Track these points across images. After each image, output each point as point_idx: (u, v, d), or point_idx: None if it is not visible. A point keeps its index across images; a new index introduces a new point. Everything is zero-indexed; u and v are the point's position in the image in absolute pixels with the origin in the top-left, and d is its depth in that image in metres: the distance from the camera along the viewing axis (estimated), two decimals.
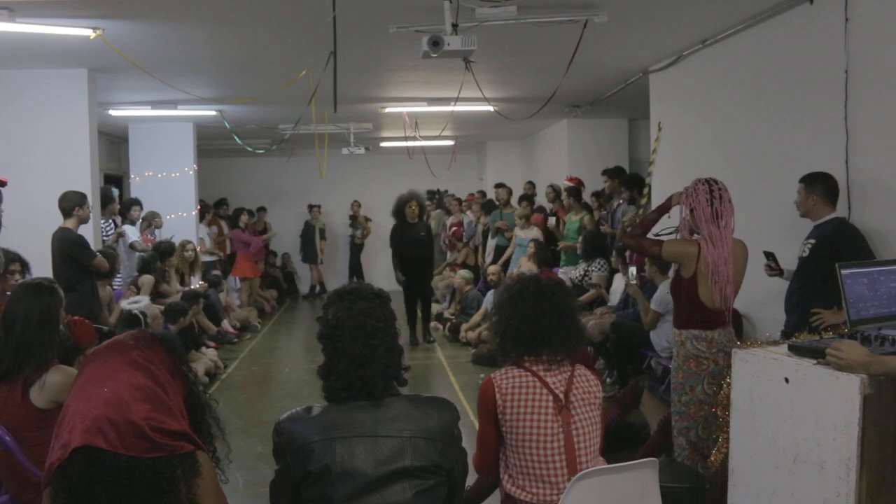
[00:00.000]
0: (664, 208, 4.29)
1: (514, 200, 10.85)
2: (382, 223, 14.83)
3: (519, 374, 2.71)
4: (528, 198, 10.68)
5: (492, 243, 10.54)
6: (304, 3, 4.94)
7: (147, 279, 7.85)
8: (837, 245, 4.17)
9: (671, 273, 4.30)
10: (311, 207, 14.23)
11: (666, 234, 4.66)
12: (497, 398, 2.67)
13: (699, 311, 3.91)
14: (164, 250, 8.47)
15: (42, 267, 5.32)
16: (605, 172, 8.75)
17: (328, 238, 14.54)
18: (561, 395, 2.66)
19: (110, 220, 8.30)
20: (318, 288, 14.26)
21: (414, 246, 8.95)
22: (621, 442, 4.85)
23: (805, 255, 4.36)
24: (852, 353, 2.64)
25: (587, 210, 8.67)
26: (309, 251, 14.24)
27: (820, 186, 4.35)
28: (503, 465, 2.75)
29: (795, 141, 5.10)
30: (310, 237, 14.21)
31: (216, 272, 10.45)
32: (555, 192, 9.79)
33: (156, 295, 7.88)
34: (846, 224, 4.34)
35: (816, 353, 2.85)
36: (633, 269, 5.92)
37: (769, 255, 4.64)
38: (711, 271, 3.82)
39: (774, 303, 4.82)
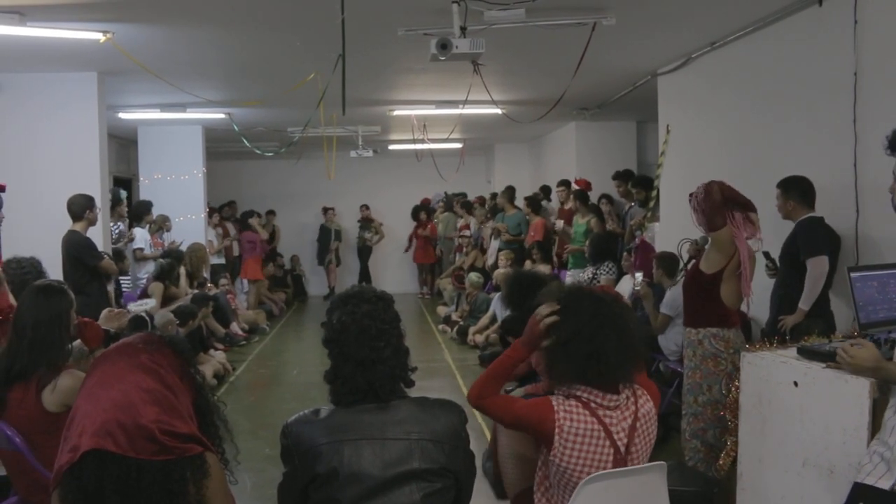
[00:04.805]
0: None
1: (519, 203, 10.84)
2: (392, 225, 14.86)
3: (583, 418, 2.41)
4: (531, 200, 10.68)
5: (494, 245, 10.54)
6: (312, 6, 4.96)
7: (157, 286, 7.88)
8: (797, 241, 4.31)
9: (680, 276, 4.30)
10: (325, 210, 14.27)
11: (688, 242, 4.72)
12: (555, 439, 2.40)
13: (719, 308, 3.92)
14: (176, 258, 8.53)
15: (52, 269, 5.34)
16: (616, 177, 8.75)
17: (342, 240, 14.58)
18: (622, 447, 2.43)
19: (118, 223, 8.34)
20: (332, 291, 14.27)
21: None
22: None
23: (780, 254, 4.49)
24: (863, 354, 2.62)
25: (594, 213, 8.65)
26: (325, 254, 14.27)
27: (795, 190, 4.44)
28: (538, 481, 2.58)
29: (804, 143, 5.08)
30: (325, 240, 14.24)
31: (225, 275, 10.49)
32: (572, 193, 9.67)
33: (165, 299, 7.91)
34: (810, 220, 4.39)
35: (826, 357, 2.84)
36: (639, 275, 5.89)
37: (766, 255, 4.68)
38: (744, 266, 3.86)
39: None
